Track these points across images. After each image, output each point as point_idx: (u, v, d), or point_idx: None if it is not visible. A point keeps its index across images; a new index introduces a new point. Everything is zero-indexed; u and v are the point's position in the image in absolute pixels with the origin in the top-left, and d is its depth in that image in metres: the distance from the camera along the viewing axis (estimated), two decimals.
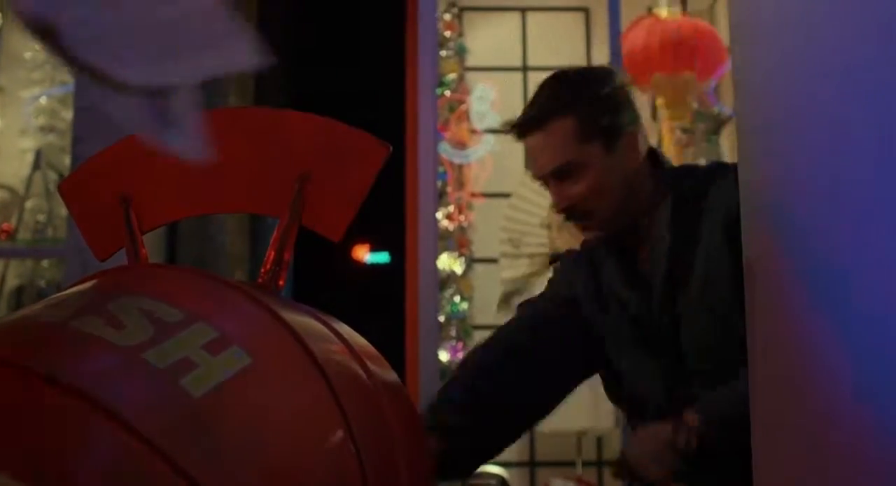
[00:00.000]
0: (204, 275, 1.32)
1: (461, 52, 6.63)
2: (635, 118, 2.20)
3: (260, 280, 1.37)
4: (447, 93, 6.51)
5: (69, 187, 1.57)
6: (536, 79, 6.95)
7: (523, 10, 6.79)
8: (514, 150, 6.62)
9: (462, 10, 6.75)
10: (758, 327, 1.31)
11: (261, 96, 6.01)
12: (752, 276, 1.34)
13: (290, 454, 1.11)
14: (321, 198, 1.39)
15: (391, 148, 1.41)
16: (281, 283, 1.37)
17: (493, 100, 6.57)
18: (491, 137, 6.53)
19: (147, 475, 0.95)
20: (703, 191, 2.12)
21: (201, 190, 1.48)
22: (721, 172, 2.15)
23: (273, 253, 1.37)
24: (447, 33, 6.59)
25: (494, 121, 6.55)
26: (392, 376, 1.42)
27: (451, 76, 6.55)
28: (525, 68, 6.66)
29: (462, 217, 6.41)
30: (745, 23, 1.38)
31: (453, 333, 6.26)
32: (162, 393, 1.04)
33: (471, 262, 6.43)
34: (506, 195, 6.50)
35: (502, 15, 6.82)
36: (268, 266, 1.38)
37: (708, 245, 2.04)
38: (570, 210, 2.15)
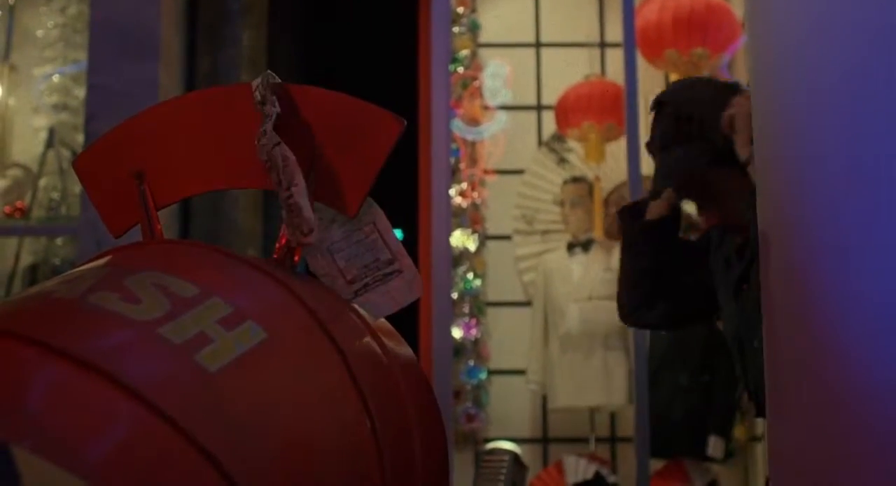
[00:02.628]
0: (219, 251, 1.32)
1: (474, 28, 6.60)
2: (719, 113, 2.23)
3: (275, 256, 1.37)
4: (460, 69, 6.49)
5: (84, 164, 1.57)
6: (549, 55, 6.95)
7: None
8: (527, 126, 6.62)
9: None
10: (772, 297, 1.31)
11: (273, 73, 6.00)
12: (766, 246, 1.34)
13: (306, 428, 1.11)
14: (335, 173, 1.39)
15: (405, 123, 1.40)
16: (296, 259, 1.37)
17: (507, 76, 6.55)
18: (504, 114, 6.52)
19: (163, 449, 0.96)
20: None
21: (215, 166, 1.48)
22: None
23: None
24: (460, 10, 6.57)
25: (507, 97, 6.53)
26: (407, 351, 1.42)
27: (464, 53, 6.53)
28: (538, 44, 6.63)
29: (475, 194, 6.40)
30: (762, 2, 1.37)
31: (466, 309, 6.26)
32: (178, 368, 1.04)
33: (484, 239, 6.43)
34: (519, 172, 6.49)
35: None
36: (283, 242, 1.38)
37: None
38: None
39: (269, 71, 1.45)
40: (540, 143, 6.55)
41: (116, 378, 0.96)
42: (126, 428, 0.95)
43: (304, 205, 1.33)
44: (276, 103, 1.39)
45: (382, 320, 1.43)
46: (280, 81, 1.44)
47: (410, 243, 6.30)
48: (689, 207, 2.69)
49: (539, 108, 6.57)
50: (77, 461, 0.90)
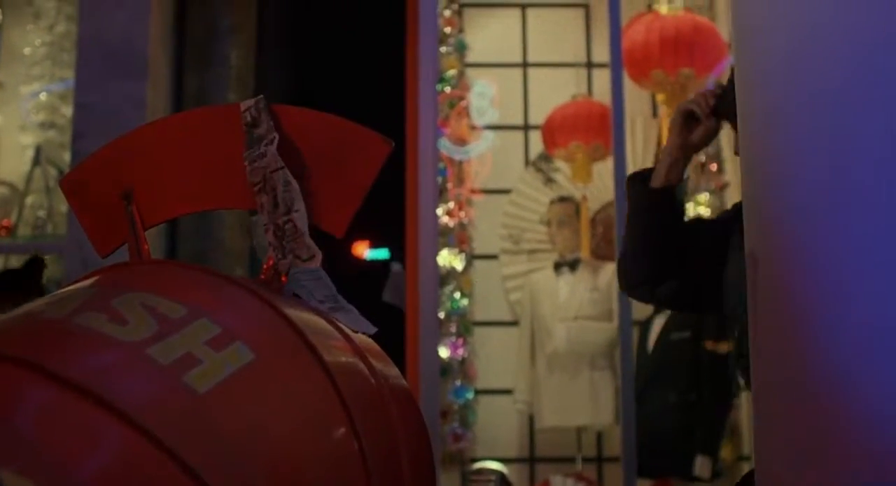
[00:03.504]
0: (207, 271, 1.32)
1: (461, 48, 6.62)
2: None
3: (263, 277, 1.37)
4: (447, 89, 6.51)
5: (71, 183, 1.57)
6: (536, 75, 6.98)
7: (523, 7, 6.79)
8: (514, 146, 6.63)
9: (462, 6, 6.75)
10: (760, 318, 1.32)
11: (260, 93, 6.01)
12: (753, 266, 1.34)
13: (294, 449, 1.11)
14: (324, 194, 1.39)
15: (394, 144, 1.41)
16: (284, 279, 1.37)
17: (493, 96, 6.57)
18: (491, 134, 6.54)
19: (151, 471, 0.96)
20: None
21: (204, 186, 1.48)
22: None
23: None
24: (447, 29, 6.59)
25: (494, 117, 6.55)
26: (394, 371, 1.42)
27: (452, 72, 6.55)
28: (525, 64, 6.65)
29: (462, 213, 6.41)
30: (747, 17, 1.38)
31: (453, 329, 6.27)
32: (165, 389, 1.04)
33: (471, 258, 6.44)
34: (505, 192, 6.50)
35: (502, 11, 6.82)
36: (270, 263, 1.38)
37: None
38: None
39: (261, 95, 1.46)
40: (527, 162, 6.58)
41: (104, 399, 0.96)
42: (114, 450, 0.95)
43: (304, 230, 1.33)
44: (273, 127, 1.39)
45: (370, 340, 1.43)
46: (268, 102, 1.45)
47: (398, 263, 6.29)
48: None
49: (526, 127, 6.60)
50: (65, 483, 0.90)
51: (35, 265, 1.36)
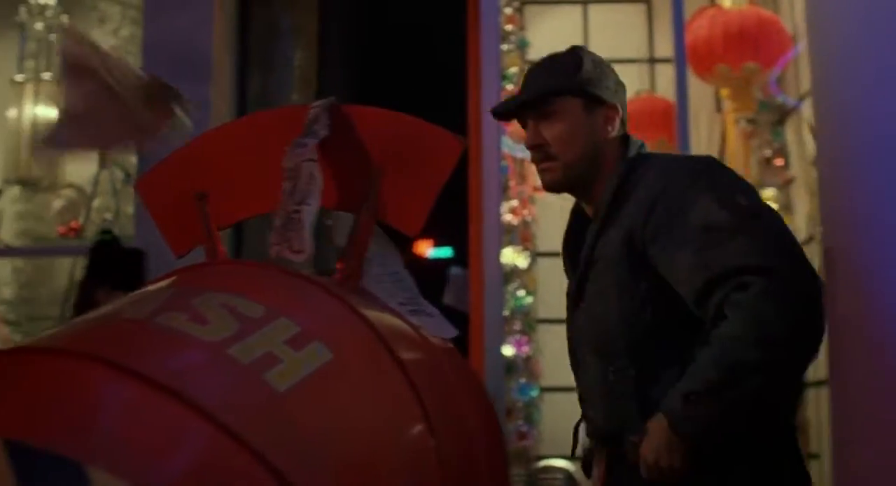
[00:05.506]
0: (283, 271, 1.33)
1: (523, 45, 6.60)
2: (614, 98, 2.22)
3: (338, 276, 1.38)
4: (509, 87, 6.49)
5: (146, 185, 1.59)
6: None
7: (585, 3, 6.76)
8: None
9: (523, 3, 6.73)
10: (839, 314, 1.30)
11: (323, 93, 6.04)
12: (832, 265, 1.33)
13: (372, 447, 1.12)
14: (397, 193, 1.40)
15: (466, 142, 1.41)
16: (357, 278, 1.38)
17: None
18: None
19: (234, 468, 0.96)
20: (637, 177, 2.15)
21: (277, 187, 1.49)
22: (657, 162, 2.18)
23: (351, 249, 1.38)
24: (509, 27, 6.57)
25: None
26: (468, 368, 1.43)
27: (513, 70, 6.53)
28: None
29: (525, 211, 6.39)
30: (821, 9, 1.37)
31: (518, 327, 6.25)
32: (246, 388, 1.05)
33: (535, 256, 6.42)
34: None
35: (564, 8, 6.79)
36: (342, 263, 1.38)
37: (617, 231, 2.09)
38: (537, 148, 2.21)
39: (332, 97, 1.47)
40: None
41: (187, 398, 0.97)
42: (198, 447, 0.96)
43: (307, 225, 1.34)
44: (328, 126, 1.40)
45: (441, 338, 1.43)
46: (341, 103, 1.45)
47: (461, 262, 6.30)
48: None
49: None
50: (150, 479, 0.91)
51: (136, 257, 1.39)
